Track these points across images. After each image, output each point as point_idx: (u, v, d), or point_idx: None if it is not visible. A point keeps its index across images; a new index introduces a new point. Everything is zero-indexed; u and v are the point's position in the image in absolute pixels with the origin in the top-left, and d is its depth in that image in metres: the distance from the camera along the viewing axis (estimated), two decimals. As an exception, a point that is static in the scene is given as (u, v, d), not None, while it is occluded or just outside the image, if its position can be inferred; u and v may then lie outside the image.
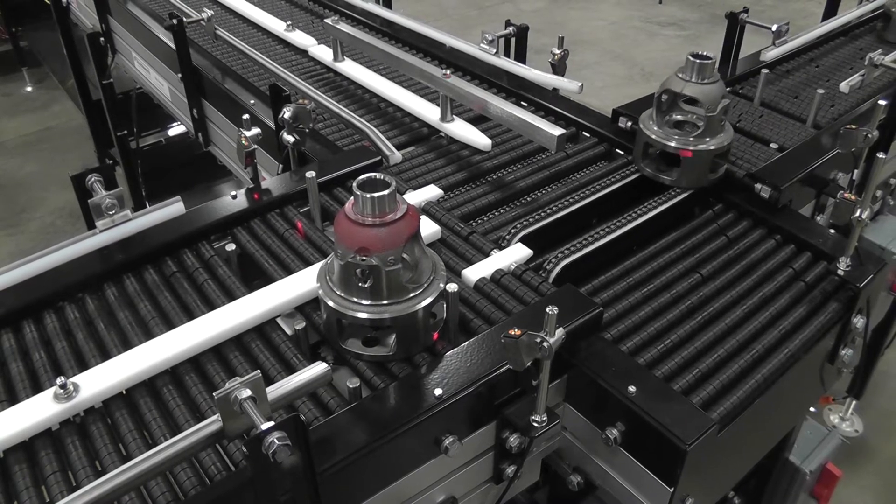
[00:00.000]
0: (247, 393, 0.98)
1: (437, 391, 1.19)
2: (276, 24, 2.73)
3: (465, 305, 1.41)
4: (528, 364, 1.15)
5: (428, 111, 2.10)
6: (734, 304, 1.52)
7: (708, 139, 1.70)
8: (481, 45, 2.44)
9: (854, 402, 3.21)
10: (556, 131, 1.76)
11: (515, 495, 1.50)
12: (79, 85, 4.09)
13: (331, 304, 1.26)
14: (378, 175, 1.22)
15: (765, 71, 2.22)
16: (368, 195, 1.18)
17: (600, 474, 1.38)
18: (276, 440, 0.93)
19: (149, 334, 1.35)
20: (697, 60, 1.66)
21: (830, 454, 2.07)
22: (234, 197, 1.68)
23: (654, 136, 1.76)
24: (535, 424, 1.24)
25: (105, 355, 1.31)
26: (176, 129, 4.14)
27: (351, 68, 2.39)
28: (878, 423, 3.28)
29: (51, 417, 1.18)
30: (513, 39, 2.53)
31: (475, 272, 1.48)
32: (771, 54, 2.39)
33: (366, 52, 2.41)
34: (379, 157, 1.85)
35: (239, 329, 1.34)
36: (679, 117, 1.78)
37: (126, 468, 0.97)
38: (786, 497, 2.07)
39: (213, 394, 0.98)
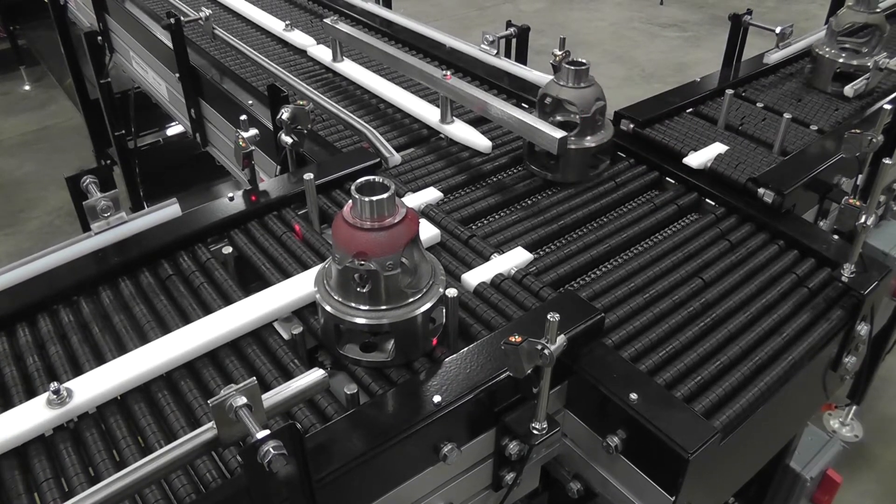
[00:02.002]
0: (242, 401, 0.96)
1: (436, 398, 1.18)
2: (274, 24, 2.72)
3: (465, 311, 1.40)
4: (529, 371, 1.13)
5: (428, 112, 2.08)
6: (736, 310, 1.50)
7: (588, 137, 1.79)
8: (482, 45, 2.43)
9: (854, 408, 3.20)
10: (558, 133, 1.74)
11: (515, 502, 1.48)
12: (76, 84, 4.08)
13: (329, 308, 1.24)
14: (377, 178, 1.20)
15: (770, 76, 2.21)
16: (367, 199, 1.16)
17: (600, 482, 1.37)
18: (271, 449, 0.91)
19: (144, 338, 1.34)
20: (573, 67, 1.78)
21: (831, 460, 2.06)
22: (231, 199, 1.66)
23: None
24: (536, 432, 1.23)
25: (100, 359, 1.30)
26: (174, 129, 4.13)
27: (350, 69, 2.37)
28: (878, 429, 3.27)
29: (44, 423, 1.16)
30: (513, 40, 2.51)
31: (475, 277, 1.47)
32: (774, 56, 2.38)
33: (365, 53, 2.39)
34: (378, 159, 1.83)
35: (235, 333, 1.33)
36: (560, 118, 1.89)
37: (120, 476, 0.96)
38: (786, 503, 2.06)
39: (209, 401, 0.96)
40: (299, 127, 1.78)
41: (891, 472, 3.12)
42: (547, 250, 1.66)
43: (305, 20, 2.92)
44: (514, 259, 1.52)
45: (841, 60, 2.25)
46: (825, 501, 2.17)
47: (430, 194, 1.75)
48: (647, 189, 1.88)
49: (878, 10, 2.23)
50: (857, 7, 2.25)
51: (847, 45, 2.29)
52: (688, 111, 2.17)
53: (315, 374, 1.09)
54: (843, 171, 1.88)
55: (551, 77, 1.90)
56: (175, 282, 1.48)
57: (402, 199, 1.25)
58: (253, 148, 1.66)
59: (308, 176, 1.60)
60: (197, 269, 1.50)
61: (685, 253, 1.63)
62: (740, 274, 1.58)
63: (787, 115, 1.92)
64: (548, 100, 1.85)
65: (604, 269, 1.63)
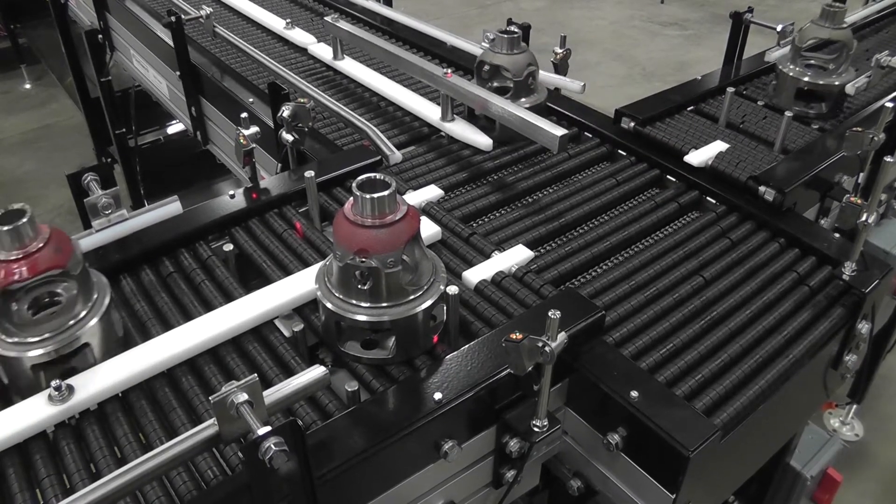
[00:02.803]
0: (243, 397, 0.96)
1: (437, 395, 1.18)
2: (275, 22, 2.72)
3: (466, 308, 1.40)
4: (530, 368, 1.13)
5: (428, 110, 2.08)
6: (737, 308, 1.50)
7: (522, 99, 1.97)
8: (482, 43, 2.43)
9: (855, 407, 3.20)
10: (559, 131, 1.74)
11: (515, 499, 1.49)
12: (77, 82, 4.08)
13: (329, 306, 1.24)
14: (378, 175, 1.20)
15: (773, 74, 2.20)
16: (368, 196, 1.16)
17: (601, 479, 1.37)
18: (272, 445, 0.91)
19: (145, 335, 1.34)
20: (506, 36, 1.95)
21: (831, 459, 2.06)
22: (233, 196, 1.66)
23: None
24: (536, 429, 1.23)
25: (100, 356, 1.29)
26: (175, 128, 4.13)
27: (351, 67, 2.37)
28: (878, 428, 3.27)
29: (45, 420, 1.16)
30: (514, 39, 2.51)
31: (476, 274, 1.47)
32: (775, 55, 2.37)
33: (366, 51, 2.39)
34: (379, 157, 1.83)
35: (236, 330, 1.33)
36: (497, 83, 2.01)
37: (121, 472, 0.96)
38: (787, 502, 2.07)
39: (210, 398, 0.96)
40: (300, 125, 1.78)
41: (891, 471, 3.12)
42: (548, 248, 1.66)
43: (306, 18, 2.92)
44: (515, 256, 1.52)
45: (806, 79, 2.09)
46: (825, 500, 2.17)
47: (431, 192, 1.75)
48: (648, 187, 1.88)
49: (843, 25, 2.06)
50: (821, 21, 2.06)
51: (812, 62, 2.13)
52: (688, 109, 2.17)
53: (316, 371, 1.09)
54: (844, 170, 1.88)
55: (487, 46, 2.06)
56: (176, 279, 1.48)
57: (403, 197, 1.25)
58: (254, 146, 1.65)
59: (309, 173, 1.60)
60: (198, 266, 1.50)
61: (686, 251, 1.63)
62: (741, 272, 1.58)
63: (788, 114, 1.92)
64: (485, 67, 1.99)
65: (604, 266, 1.63)
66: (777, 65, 2.17)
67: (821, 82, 2.08)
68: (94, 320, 1.22)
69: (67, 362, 1.20)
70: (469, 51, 2.46)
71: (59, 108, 5.68)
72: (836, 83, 2.07)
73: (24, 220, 1.13)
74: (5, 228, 1.12)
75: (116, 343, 1.27)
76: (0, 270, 1.12)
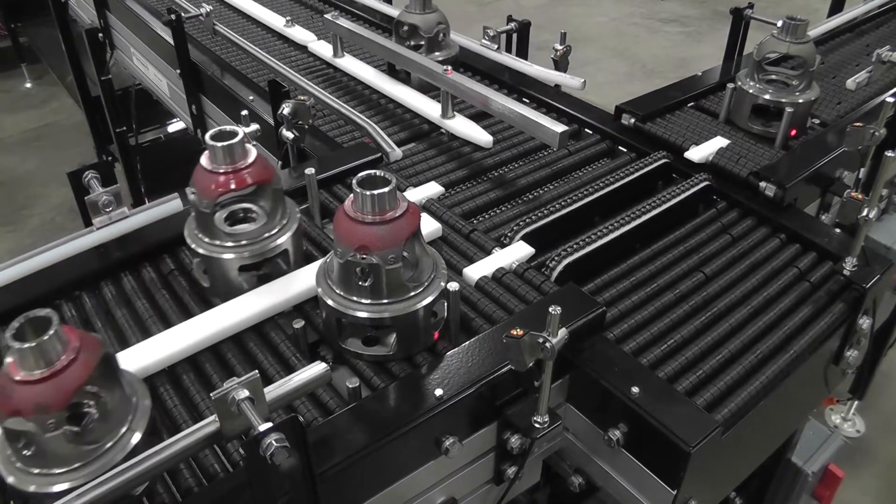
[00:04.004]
0: (244, 393, 0.96)
1: (438, 391, 1.18)
2: (275, 20, 2.72)
3: (467, 304, 1.40)
4: (531, 364, 1.13)
5: (429, 107, 2.08)
6: (738, 303, 1.50)
7: (435, 53, 2.24)
8: (483, 41, 2.43)
9: (856, 403, 3.20)
10: (559, 128, 1.74)
11: (516, 496, 1.49)
12: (78, 81, 4.08)
13: (330, 302, 1.24)
14: (378, 172, 1.20)
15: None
16: (368, 192, 1.16)
17: (602, 475, 1.37)
18: (273, 442, 0.91)
19: (146, 333, 1.34)
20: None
21: (833, 455, 2.05)
22: (233, 194, 1.66)
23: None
24: (537, 425, 1.23)
25: (101, 354, 1.30)
26: (175, 126, 4.12)
27: (351, 64, 2.37)
28: (879, 424, 3.27)
29: (46, 417, 1.16)
30: (514, 35, 2.51)
31: (477, 270, 1.47)
32: (775, 51, 2.36)
33: (366, 48, 2.39)
34: (379, 154, 1.83)
35: (237, 328, 1.33)
36: (413, 42, 2.27)
37: (123, 469, 0.96)
38: (787, 498, 2.06)
39: (211, 394, 0.96)
40: (300, 122, 1.78)
41: (892, 468, 3.12)
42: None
43: (306, 16, 2.92)
44: (516, 253, 1.52)
45: (767, 97, 1.95)
46: (827, 496, 2.16)
47: (432, 189, 1.75)
48: (650, 183, 1.88)
49: (805, 39, 1.92)
50: (781, 35, 1.92)
51: (773, 77, 2.00)
52: (689, 105, 2.16)
53: (317, 368, 1.09)
54: (845, 165, 1.88)
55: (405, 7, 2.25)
56: (177, 276, 1.48)
57: (404, 194, 1.25)
58: (254, 143, 1.65)
59: (309, 171, 1.60)
60: (198, 263, 1.50)
61: (686, 247, 1.63)
62: (742, 268, 1.58)
63: (788, 109, 1.92)
64: (403, 27, 2.25)
65: (607, 262, 1.62)
66: (736, 78, 2.03)
67: (784, 99, 1.93)
68: (288, 235, 1.38)
69: (263, 268, 1.39)
70: (469, 48, 2.46)
71: (60, 107, 5.68)
72: (800, 100, 1.94)
73: (236, 140, 1.31)
74: (220, 145, 1.29)
75: (302, 257, 1.45)
76: (219, 178, 1.29)
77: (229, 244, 1.34)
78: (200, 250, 1.35)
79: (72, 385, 0.92)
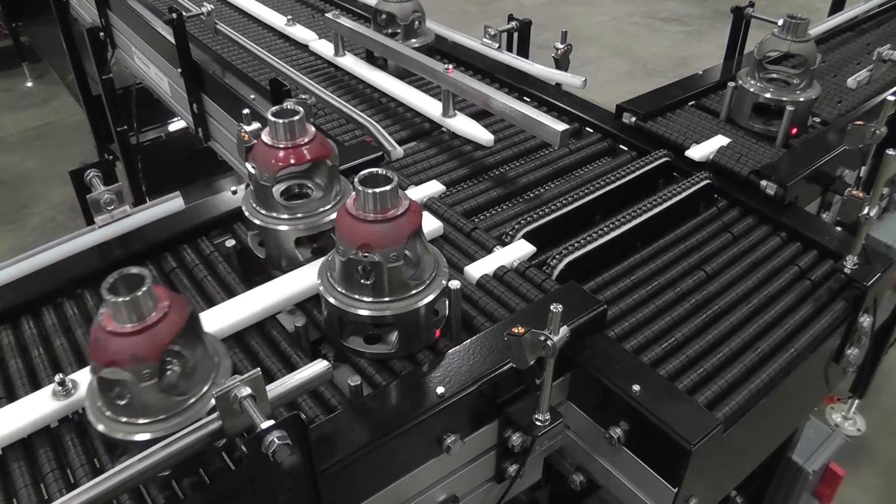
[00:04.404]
0: (246, 391, 0.96)
1: (440, 389, 1.18)
2: (276, 19, 2.72)
3: (468, 302, 1.40)
4: (532, 362, 1.14)
5: (430, 106, 2.08)
6: (739, 302, 1.50)
7: (413, 40, 2.34)
8: (483, 39, 2.43)
9: (857, 401, 3.20)
10: (560, 127, 1.74)
11: (517, 494, 1.49)
12: (79, 80, 4.08)
13: (332, 301, 1.24)
14: (380, 170, 1.21)
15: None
16: (370, 191, 1.17)
17: (603, 473, 1.37)
18: (275, 439, 0.92)
19: (148, 331, 1.34)
20: None
21: (833, 454, 2.05)
22: (235, 192, 1.66)
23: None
24: (538, 423, 1.23)
25: (104, 352, 1.30)
26: (176, 125, 4.12)
27: (352, 63, 2.37)
28: (880, 423, 3.27)
29: (49, 415, 1.17)
30: (515, 34, 2.51)
31: (478, 269, 1.47)
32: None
33: (367, 47, 2.39)
34: (380, 153, 1.83)
35: (239, 326, 1.33)
36: (391, 30, 2.37)
37: (125, 467, 0.96)
38: (788, 497, 2.06)
39: (213, 392, 0.97)
40: (302, 121, 1.78)
41: (893, 467, 3.12)
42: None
43: (307, 15, 2.92)
44: (517, 251, 1.52)
45: (768, 95, 1.94)
46: (827, 495, 2.16)
47: (433, 187, 1.75)
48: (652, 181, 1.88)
49: (806, 38, 1.91)
50: (782, 33, 1.92)
51: (774, 76, 2.00)
52: (690, 104, 2.16)
53: (319, 366, 1.09)
54: (846, 163, 1.88)
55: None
56: (179, 275, 1.48)
57: (405, 192, 1.26)
58: (256, 142, 1.65)
59: (311, 169, 1.60)
60: (200, 262, 1.50)
61: (688, 245, 1.63)
62: (743, 266, 1.58)
63: (789, 108, 1.92)
64: (382, 15, 2.37)
65: (608, 261, 1.62)
66: (737, 77, 2.02)
67: (785, 98, 1.92)
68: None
69: (318, 241, 1.43)
70: (470, 46, 2.46)
71: (61, 106, 5.68)
72: (801, 99, 1.93)
73: (297, 117, 1.35)
74: (282, 122, 1.34)
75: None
76: (280, 153, 1.34)
77: (285, 216, 1.39)
78: (257, 221, 1.40)
79: (164, 338, 0.99)
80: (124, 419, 1.03)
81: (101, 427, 1.03)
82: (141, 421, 1.03)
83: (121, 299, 0.97)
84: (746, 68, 2.04)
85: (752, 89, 1.98)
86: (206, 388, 1.07)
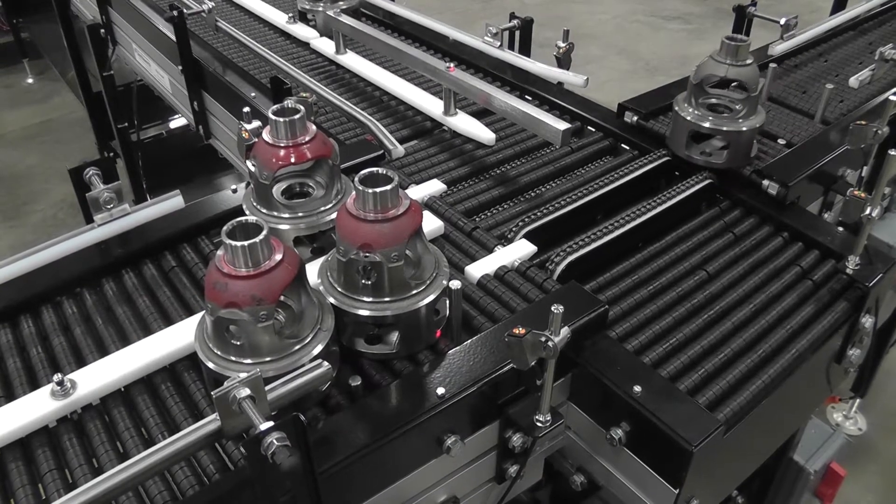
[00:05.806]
0: (246, 392, 0.96)
1: (440, 390, 1.18)
2: (277, 16, 2.71)
3: (469, 303, 1.39)
4: (533, 363, 1.13)
5: (431, 105, 2.07)
6: (741, 302, 1.50)
7: None
8: (485, 38, 2.42)
9: (858, 401, 3.20)
10: (562, 125, 1.74)
11: (518, 495, 1.48)
12: (79, 77, 4.07)
13: (332, 301, 1.24)
14: (380, 169, 1.20)
15: (773, 65, 2.18)
16: (370, 190, 1.16)
17: (604, 474, 1.37)
18: (275, 441, 0.91)
19: (147, 330, 1.34)
20: None
21: (835, 453, 2.05)
22: (235, 191, 1.66)
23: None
24: (539, 424, 1.23)
25: (103, 351, 1.30)
26: (177, 122, 4.12)
27: (353, 61, 2.37)
28: (881, 423, 3.26)
29: (48, 415, 1.17)
30: (517, 33, 2.50)
31: (479, 269, 1.46)
32: (779, 48, 2.36)
33: (368, 45, 2.38)
34: (381, 151, 1.83)
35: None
36: None
37: (123, 467, 0.96)
38: (790, 496, 2.06)
39: (212, 392, 0.96)
40: (302, 119, 1.77)
41: (894, 466, 3.12)
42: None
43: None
44: (518, 251, 1.52)
45: (706, 124, 1.73)
46: (829, 495, 2.16)
47: (434, 186, 1.74)
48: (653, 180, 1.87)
49: (746, 62, 1.71)
50: (720, 57, 1.72)
51: (713, 101, 1.80)
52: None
53: (319, 367, 1.08)
54: (848, 163, 1.87)
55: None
56: (178, 273, 1.48)
57: (406, 192, 1.25)
58: (256, 139, 1.65)
59: (311, 168, 1.60)
60: (200, 260, 1.50)
61: (689, 245, 1.63)
62: (744, 266, 1.58)
63: (829, 86, 1.88)
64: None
65: (609, 261, 1.62)
66: (674, 103, 1.82)
67: (724, 129, 1.72)
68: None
69: (318, 241, 1.43)
70: (471, 45, 2.45)
71: (62, 103, 5.68)
72: (744, 129, 1.72)
73: (297, 116, 1.33)
74: (282, 120, 1.32)
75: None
76: (280, 151, 1.32)
77: (286, 215, 1.38)
78: None
79: (281, 283, 1.06)
80: (233, 358, 1.10)
81: (210, 364, 1.10)
82: (247, 361, 1.09)
83: (244, 243, 1.04)
84: (683, 93, 1.84)
85: (688, 118, 1.77)
86: (310, 337, 1.14)
